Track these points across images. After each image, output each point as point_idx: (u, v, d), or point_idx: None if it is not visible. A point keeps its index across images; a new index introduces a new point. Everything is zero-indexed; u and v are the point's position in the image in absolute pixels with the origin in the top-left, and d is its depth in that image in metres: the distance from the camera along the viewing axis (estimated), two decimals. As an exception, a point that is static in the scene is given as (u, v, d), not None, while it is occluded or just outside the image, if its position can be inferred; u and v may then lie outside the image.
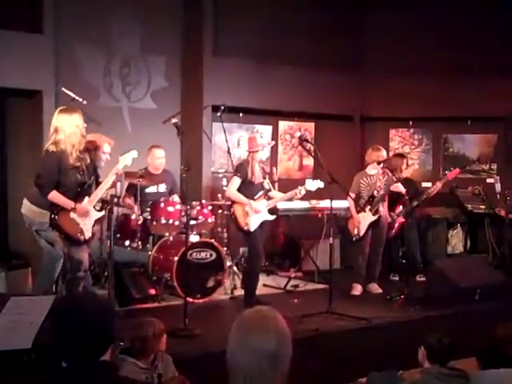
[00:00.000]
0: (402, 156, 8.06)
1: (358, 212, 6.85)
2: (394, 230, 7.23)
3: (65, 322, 2.08)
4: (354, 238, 6.94)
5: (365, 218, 6.87)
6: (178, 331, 4.98)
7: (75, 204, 5.14)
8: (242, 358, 1.90)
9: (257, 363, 1.88)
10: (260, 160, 6.27)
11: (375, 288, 6.98)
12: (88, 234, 5.24)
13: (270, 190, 6.44)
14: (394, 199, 7.19)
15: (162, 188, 6.95)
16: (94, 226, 5.35)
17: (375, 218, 6.87)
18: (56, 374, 2.09)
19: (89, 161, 5.34)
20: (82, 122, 5.22)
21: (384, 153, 7.00)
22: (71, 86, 6.70)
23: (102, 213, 5.40)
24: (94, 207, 5.32)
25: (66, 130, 5.12)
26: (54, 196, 5.10)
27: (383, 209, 7.00)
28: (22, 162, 7.03)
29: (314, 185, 6.34)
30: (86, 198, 5.24)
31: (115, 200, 5.14)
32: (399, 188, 7.06)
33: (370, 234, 6.91)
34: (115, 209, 5.55)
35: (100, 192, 5.34)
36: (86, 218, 5.21)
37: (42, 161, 5.26)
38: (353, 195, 6.82)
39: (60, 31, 7.09)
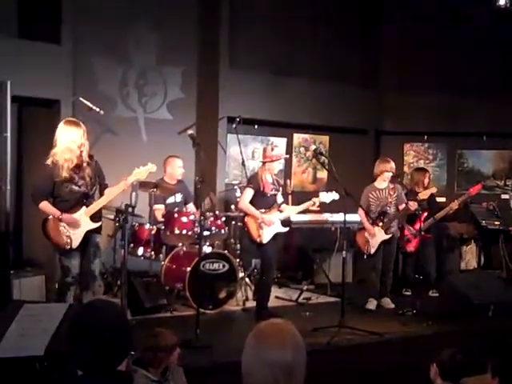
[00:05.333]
0: (424, 170, 8.00)
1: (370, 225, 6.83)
2: (413, 246, 7.19)
3: (84, 330, 2.07)
4: (366, 256, 6.90)
5: (377, 235, 6.83)
6: (189, 342, 4.98)
7: (62, 214, 5.23)
8: (258, 371, 1.89)
9: (272, 376, 1.87)
10: (271, 172, 6.27)
11: (387, 303, 6.94)
12: (76, 243, 5.29)
13: (283, 203, 6.45)
14: (412, 214, 7.12)
15: (179, 198, 6.99)
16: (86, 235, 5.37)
17: (387, 237, 6.83)
18: (72, 382, 2.09)
19: (91, 172, 5.38)
20: (79, 138, 5.26)
21: (392, 164, 6.93)
22: (88, 96, 6.79)
23: (97, 224, 5.43)
24: (92, 217, 5.35)
25: (61, 143, 5.26)
26: (44, 206, 5.28)
27: (395, 227, 6.96)
28: (37, 171, 7.08)
29: (328, 197, 6.34)
30: (83, 208, 5.31)
31: (129, 209, 5.17)
32: (414, 207, 6.81)
33: (381, 249, 6.87)
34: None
35: (103, 202, 5.39)
36: (75, 228, 5.28)
37: (37, 172, 5.47)
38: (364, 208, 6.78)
39: (78, 42, 7.16)
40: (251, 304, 6.63)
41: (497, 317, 6.19)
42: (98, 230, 5.49)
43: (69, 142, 5.24)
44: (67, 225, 5.27)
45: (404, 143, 9.75)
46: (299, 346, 1.94)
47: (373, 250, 6.83)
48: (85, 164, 5.33)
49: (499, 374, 3.38)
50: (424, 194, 7.05)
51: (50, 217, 5.26)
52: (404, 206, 6.88)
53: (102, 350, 2.06)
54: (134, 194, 5.25)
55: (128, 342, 2.15)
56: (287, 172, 8.96)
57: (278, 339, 1.92)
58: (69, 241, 5.25)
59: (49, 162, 5.26)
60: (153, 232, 6.51)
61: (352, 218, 6.88)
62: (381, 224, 6.78)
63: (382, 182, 6.92)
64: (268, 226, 6.17)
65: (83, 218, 5.31)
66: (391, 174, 6.88)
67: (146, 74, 7.98)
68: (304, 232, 8.03)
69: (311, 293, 7.47)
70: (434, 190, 7.28)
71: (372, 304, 6.85)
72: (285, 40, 8.72)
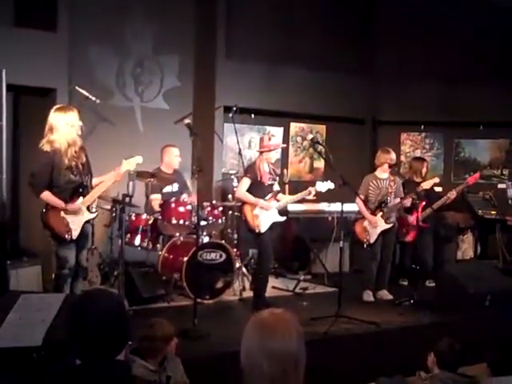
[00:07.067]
0: (422, 159, 7.98)
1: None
2: (411, 236, 7.19)
3: (82, 319, 2.07)
4: (365, 245, 6.88)
5: (378, 224, 6.82)
6: (186, 332, 4.98)
7: (66, 205, 5.15)
8: (265, 361, 1.85)
9: (281, 367, 1.84)
10: (269, 161, 6.26)
11: (385, 294, 6.91)
12: (75, 234, 5.22)
13: (279, 192, 6.45)
14: (411, 204, 7.12)
15: (176, 187, 6.98)
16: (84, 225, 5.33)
17: (388, 226, 6.82)
18: (71, 371, 2.09)
19: (84, 160, 5.30)
20: (77, 121, 5.17)
21: (394, 155, 6.95)
22: (84, 84, 6.76)
23: (94, 215, 5.40)
24: (88, 208, 5.31)
25: (60, 128, 5.10)
26: (46, 196, 5.12)
27: (394, 217, 6.95)
28: (34, 160, 7.05)
29: (324, 186, 6.33)
30: (81, 198, 5.23)
31: (127, 199, 5.16)
32: (409, 204, 6.93)
33: (380, 239, 6.86)
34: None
35: (97, 192, 5.34)
36: (76, 216, 5.21)
37: (36, 160, 5.25)
38: (362, 197, 6.77)
39: (74, 30, 7.11)
40: (248, 294, 6.63)
41: (493, 306, 6.20)
42: (89, 221, 5.46)
43: (68, 126, 5.12)
44: (70, 214, 5.19)
45: (401, 133, 9.74)
46: (301, 335, 1.92)
47: (372, 239, 6.80)
48: (80, 153, 5.25)
49: (495, 364, 3.40)
50: (427, 184, 7.04)
51: (50, 207, 5.17)
52: (399, 200, 6.87)
53: (100, 338, 2.06)
54: (130, 183, 5.22)
55: (126, 331, 2.15)
56: (284, 161, 8.94)
57: (283, 329, 1.89)
58: (69, 231, 5.21)
59: (48, 148, 5.09)
60: (150, 222, 6.50)
61: (349, 207, 6.87)
62: (381, 213, 6.77)
63: (383, 173, 6.92)
64: (266, 211, 6.15)
65: (82, 209, 5.28)
66: (393, 163, 6.90)
67: (143, 63, 7.95)
68: (301, 222, 8.03)
69: (308, 283, 7.48)
70: (436, 180, 7.25)
71: (368, 295, 6.82)
72: (282, 29, 8.69)
